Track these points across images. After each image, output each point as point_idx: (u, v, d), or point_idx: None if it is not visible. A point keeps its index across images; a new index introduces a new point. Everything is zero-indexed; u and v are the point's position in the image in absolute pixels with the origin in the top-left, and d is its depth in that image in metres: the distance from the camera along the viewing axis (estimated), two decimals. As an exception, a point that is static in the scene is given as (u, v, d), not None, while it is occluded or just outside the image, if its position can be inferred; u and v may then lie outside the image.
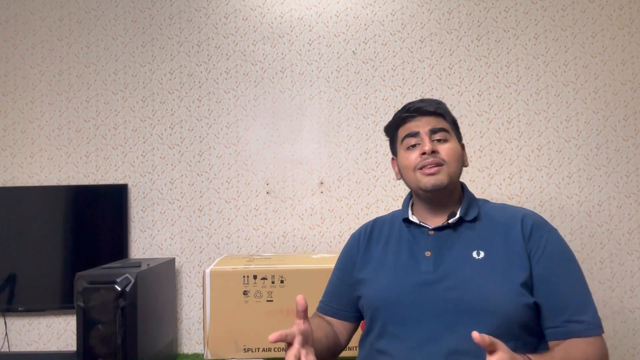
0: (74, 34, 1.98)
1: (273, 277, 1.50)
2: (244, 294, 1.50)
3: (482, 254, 1.06)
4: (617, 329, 1.82)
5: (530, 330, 1.02)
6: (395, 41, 1.93)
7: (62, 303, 1.82)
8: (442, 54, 1.92)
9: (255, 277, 1.50)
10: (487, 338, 0.80)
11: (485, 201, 1.19)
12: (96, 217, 1.87)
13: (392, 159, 1.23)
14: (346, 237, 1.88)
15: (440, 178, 1.09)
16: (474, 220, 1.11)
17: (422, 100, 1.17)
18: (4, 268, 1.83)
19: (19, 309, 1.82)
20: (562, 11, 1.91)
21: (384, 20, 1.94)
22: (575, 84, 1.89)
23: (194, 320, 1.89)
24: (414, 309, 1.05)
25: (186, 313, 1.90)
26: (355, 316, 1.22)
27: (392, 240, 1.17)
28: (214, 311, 1.49)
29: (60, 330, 1.89)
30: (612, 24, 1.90)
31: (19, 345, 1.89)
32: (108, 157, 1.94)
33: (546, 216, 1.85)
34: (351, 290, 1.20)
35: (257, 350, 1.49)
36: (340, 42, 1.94)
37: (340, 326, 1.22)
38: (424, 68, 1.92)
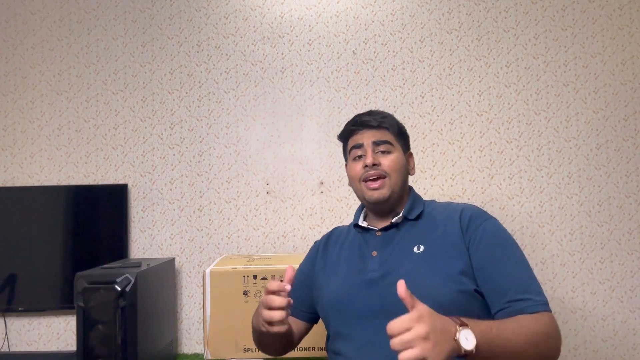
0: (74, 34, 1.98)
1: (273, 277, 1.50)
2: (244, 294, 1.50)
3: (422, 248, 1.12)
4: (617, 329, 1.82)
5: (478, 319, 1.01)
6: (395, 41, 1.93)
7: (62, 303, 1.82)
8: (442, 54, 1.92)
9: (255, 277, 1.50)
10: (408, 293, 0.84)
11: (432, 201, 1.26)
12: (96, 217, 1.87)
13: (345, 164, 1.30)
14: (346, 237, 1.89)
15: (383, 192, 1.17)
16: (417, 218, 1.18)
17: (369, 113, 1.24)
18: (4, 268, 1.83)
19: (19, 309, 1.82)
20: (562, 11, 1.91)
21: (384, 20, 1.94)
22: (575, 84, 1.89)
23: (194, 320, 1.89)
24: (361, 307, 1.09)
25: (186, 313, 1.90)
26: (309, 316, 1.28)
27: (345, 246, 1.24)
28: (214, 311, 1.49)
29: (60, 330, 1.89)
30: (612, 24, 1.90)
31: (19, 345, 1.89)
32: (108, 157, 1.94)
33: (546, 216, 1.85)
34: (307, 291, 1.26)
35: (257, 350, 1.48)
36: (340, 42, 1.94)
37: (293, 324, 1.25)
38: (424, 68, 1.92)
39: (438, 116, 1.90)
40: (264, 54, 1.95)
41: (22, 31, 1.98)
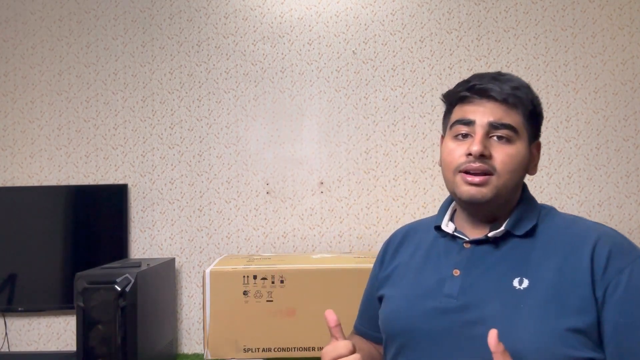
0: (74, 34, 1.98)
1: (273, 277, 1.50)
2: (244, 294, 1.50)
3: (525, 283, 0.80)
4: (617, 329, 1.81)
5: None
6: (395, 41, 1.93)
7: (62, 303, 1.82)
8: (442, 54, 1.92)
9: (255, 277, 1.50)
10: (501, 348, 0.66)
11: (552, 211, 0.92)
12: (96, 217, 1.87)
13: (441, 136, 0.97)
14: (346, 237, 1.89)
15: (483, 192, 0.83)
16: (527, 235, 0.85)
17: (496, 77, 0.87)
18: (4, 268, 1.83)
19: (19, 309, 1.82)
20: (562, 11, 1.91)
21: (384, 20, 1.94)
22: (575, 84, 1.89)
23: (194, 320, 1.89)
24: (429, 340, 0.84)
25: (186, 313, 1.90)
26: None
27: (421, 251, 0.95)
28: (214, 311, 1.49)
29: (60, 330, 1.89)
30: (612, 24, 1.90)
31: (19, 345, 1.89)
32: (108, 157, 1.94)
33: (546, 216, 1.85)
34: (376, 308, 1.00)
35: (257, 350, 1.49)
36: (340, 42, 1.94)
37: (375, 351, 1.02)
38: (424, 68, 1.92)
39: (438, 116, 1.90)
40: (264, 54, 1.95)
41: (22, 31, 1.98)
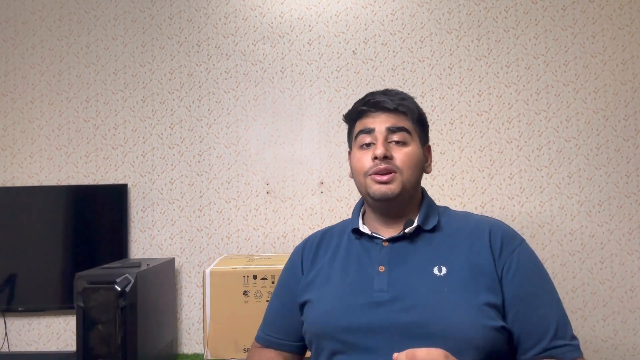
0: (74, 34, 1.97)
1: (273, 277, 1.50)
2: (244, 294, 1.50)
3: (444, 270, 0.93)
4: (617, 329, 1.82)
5: (499, 358, 0.90)
6: (395, 41, 1.93)
7: (62, 303, 1.82)
8: (442, 54, 1.92)
9: (255, 277, 1.50)
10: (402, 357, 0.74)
11: (446, 208, 1.07)
12: (96, 217, 1.87)
13: (348, 152, 1.09)
14: (346, 237, 1.89)
15: (392, 188, 0.96)
16: (434, 230, 0.99)
17: (384, 93, 1.03)
18: (4, 268, 1.83)
19: (19, 309, 1.82)
20: (562, 11, 1.91)
21: (384, 20, 1.94)
22: (575, 84, 1.89)
23: (194, 320, 1.89)
24: (366, 335, 0.90)
25: (186, 313, 1.90)
26: (300, 346, 1.07)
27: (340, 254, 1.03)
28: (214, 311, 1.49)
29: (60, 330, 1.89)
30: (612, 24, 1.90)
31: (19, 345, 1.89)
32: (108, 157, 1.94)
33: (546, 217, 1.85)
34: (295, 316, 1.05)
35: (257, 350, 1.49)
36: (340, 42, 1.94)
37: (286, 357, 1.07)
38: (424, 68, 1.92)
39: (438, 116, 1.90)
40: (264, 54, 1.95)
41: (22, 31, 1.98)
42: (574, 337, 0.92)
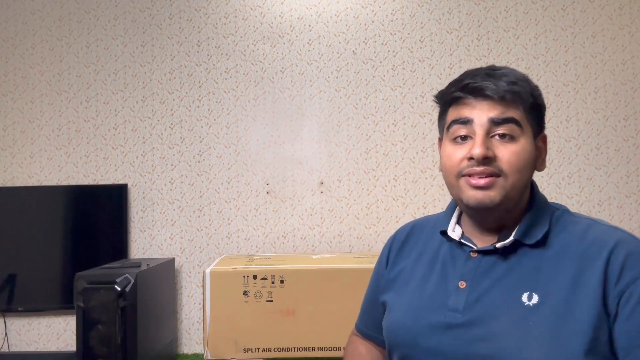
0: (74, 34, 1.97)
1: (273, 277, 1.50)
2: (244, 294, 1.50)
3: (535, 299, 0.74)
4: (617, 329, 1.81)
5: None
6: (395, 41, 1.93)
7: (62, 303, 1.82)
8: (442, 54, 1.92)
9: (255, 277, 1.50)
10: None
11: (565, 212, 0.83)
12: (96, 217, 1.87)
13: (439, 139, 0.90)
14: (346, 237, 1.89)
15: (491, 195, 0.77)
16: (538, 245, 0.79)
17: (489, 74, 0.80)
18: (4, 268, 1.83)
19: (19, 309, 1.82)
20: (562, 11, 1.91)
21: (384, 20, 1.94)
22: (575, 84, 1.89)
23: (194, 320, 1.89)
24: (433, 356, 0.79)
25: (186, 313, 1.90)
26: None
27: (426, 256, 0.89)
28: (214, 311, 1.49)
29: (60, 330, 1.89)
30: (612, 24, 1.90)
31: (19, 345, 1.89)
32: (108, 157, 1.94)
33: (546, 216, 1.85)
34: (381, 310, 0.95)
35: (257, 350, 1.49)
36: (340, 42, 1.94)
37: (383, 350, 0.97)
38: (424, 68, 1.92)
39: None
40: (264, 54, 1.95)
41: (22, 31, 1.98)
42: None
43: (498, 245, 0.79)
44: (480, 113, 0.78)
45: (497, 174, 0.77)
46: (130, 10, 1.97)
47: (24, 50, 1.97)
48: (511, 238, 0.79)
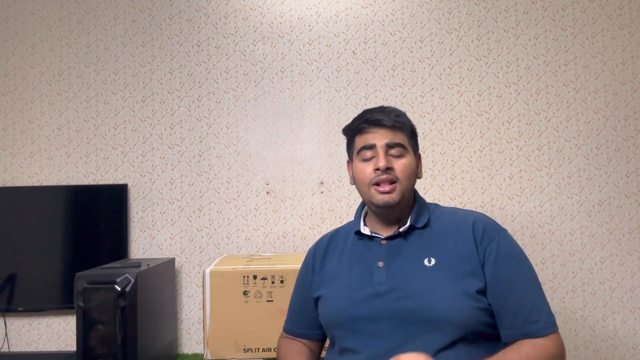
0: (74, 34, 1.97)
1: (273, 277, 1.50)
2: (244, 294, 1.50)
3: (433, 261, 1.06)
4: (617, 329, 1.82)
5: (487, 335, 1.03)
6: (395, 41, 1.93)
7: (62, 303, 1.82)
8: (442, 54, 1.92)
9: (255, 277, 1.50)
10: None
11: (437, 206, 1.20)
12: (96, 217, 1.87)
13: (348, 161, 1.22)
14: (346, 237, 1.89)
15: (394, 197, 1.09)
16: (424, 227, 1.12)
17: (382, 111, 1.16)
18: (4, 268, 1.83)
19: (19, 309, 1.82)
20: (562, 11, 1.91)
21: (384, 20, 1.94)
22: (575, 84, 1.89)
23: (194, 320, 1.89)
24: (369, 322, 1.05)
25: (186, 313, 1.90)
26: (321, 333, 1.23)
27: (345, 255, 1.17)
28: (214, 311, 1.49)
29: (60, 330, 1.89)
30: (612, 24, 1.90)
31: (19, 345, 1.89)
32: (108, 157, 1.94)
33: (546, 216, 1.85)
34: (312, 309, 1.20)
35: (257, 350, 1.49)
36: (340, 42, 1.94)
37: (311, 345, 1.24)
38: (424, 68, 1.92)
39: (438, 116, 1.90)
40: (264, 54, 1.95)
41: (22, 31, 1.98)
42: (549, 314, 1.03)
43: (401, 230, 1.12)
44: (380, 139, 1.12)
45: (395, 181, 1.10)
46: (130, 10, 1.97)
47: (24, 50, 1.97)
48: (408, 224, 1.12)
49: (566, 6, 1.91)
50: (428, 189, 1.88)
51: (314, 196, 1.91)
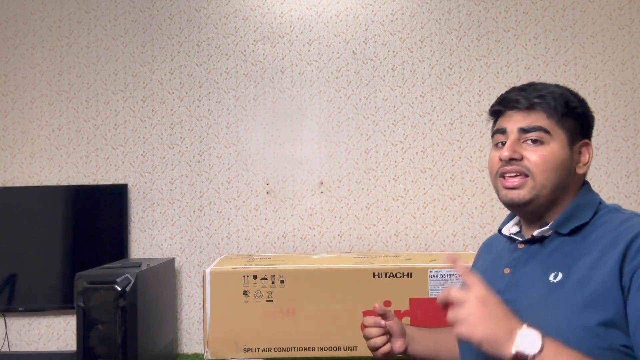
0: (74, 34, 1.98)
1: (273, 277, 1.50)
2: (244, 294, 1.50)
3: (559, 277, 0.84)
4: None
5: None
6: (395, 41, 1.93)
7: (62, 303, 1.82)
8: (442, 54, 1.92)
9: (255, 277, 1.50)
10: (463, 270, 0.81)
11: (612, 210, 0.91)
12: (96, 217, 1.87)
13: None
14: (346, 237, 1.89)
15: (520, 194, 0.88)
16: (572, 233, 0.88)
17: (523, 89, 0.95)
18: (4, 268, 1.83)
19: (19, 309, 1.82)
20: (562, 11, 1.91)
21: (384, 20, 1.94)
22: (575, 84, 1.89)
23: (194, 320, 1.89)
24: None
25: (186, 313, 1.90)
26: None
27: (492, 255, 1.04)
28: (214, 311, 1.49)
29: (60, 330, 1.89)
30: (612, 24, 1.90)
31: (19, 345, 1.89)
32: (108, 157, 1.94)
33: (546, 216, 1.85)
34: None
35: (257, 350, 1.49)
36: (340, 42, 1.94)
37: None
38: (424, 68, 1.92)
39: (438, 116, 1.90)
40: (264, 54, 1.95)
41: (22, 31, 1.98)
42: None
43: (535, 233, 0.90)
44: (512, 123, 0.92)
45: (526, 174, 0.88)
46: (130, 11, 1.97)
47: (24, 50, 1.97)
48: (547, 227, 0.89)
49: (566, 6, 1.91)
50: (428, 189, 1.88)
51: (314, 196, 1.91)
